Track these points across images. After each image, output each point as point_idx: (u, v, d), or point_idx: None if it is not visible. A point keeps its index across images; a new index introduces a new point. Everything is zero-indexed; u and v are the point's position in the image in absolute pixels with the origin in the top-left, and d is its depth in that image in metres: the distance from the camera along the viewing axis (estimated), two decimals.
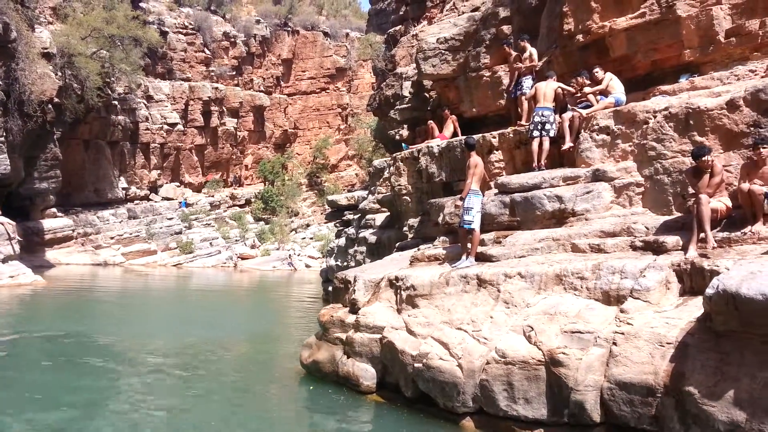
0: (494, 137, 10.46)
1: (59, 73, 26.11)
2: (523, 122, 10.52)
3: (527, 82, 11.10)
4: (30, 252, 24.28)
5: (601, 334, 6.21)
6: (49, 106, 24.89)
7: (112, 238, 31.80)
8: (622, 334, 6.08)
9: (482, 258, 8.37)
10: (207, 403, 7.91)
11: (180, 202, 38.74)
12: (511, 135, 10.29)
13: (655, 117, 8.12)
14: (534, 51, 11.22)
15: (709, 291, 5.35)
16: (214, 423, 7.03)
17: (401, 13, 23.54)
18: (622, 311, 6.34)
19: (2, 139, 20.12)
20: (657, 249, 7.02)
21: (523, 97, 10.92)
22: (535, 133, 9.50)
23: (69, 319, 13.94)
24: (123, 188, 35.62)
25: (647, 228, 7.48)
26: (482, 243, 8.63)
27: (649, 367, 5.77)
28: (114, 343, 11.49)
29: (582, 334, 6.29)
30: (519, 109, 11.06)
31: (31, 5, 26.34)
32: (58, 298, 18.16)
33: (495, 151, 10.44)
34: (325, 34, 50.20)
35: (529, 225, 8.48)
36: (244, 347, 11.88)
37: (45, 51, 25.21)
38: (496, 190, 9.30)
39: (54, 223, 28.10)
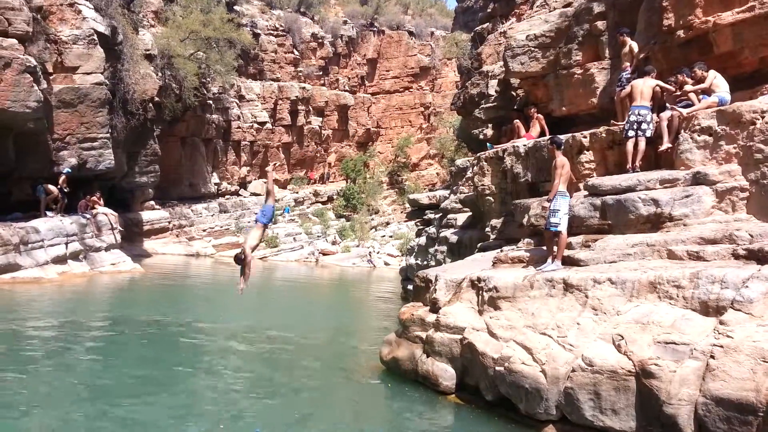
0: (585, 137, 10.10)
1: (159, 74, 27.64)
2: (617, 121, 10.11)
3: (625, 77, 10.64)
4: (130, 241, 25.86)
5: (697, 346, 5.87)
6: (150, 104, 26.39)
7: (204, 230, 33.36)
8: (721, 347, 5.72)
9: (569, 262, 8.11)
10: (287, 394, 8.14)
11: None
12: (604, 135, 9.90)
13: (763, 117, 7.58)
14: (635, 45, 10.74)
15: None
16: (297, 414, 7.23)
17: (489, 10, 23.18)
18: (721, 323, 5.97)
19: (108, 135, 21.52)
20: (762, 258, 6.55)
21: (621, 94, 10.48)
22: (631, 133, 9.08)
23: (164, 306, 14.78)
24: (215, 183, 37.27)
25: (752, 236, 6.99)
26: (569, 246, 8.37)
27: (750, 384, 5.40)
28: (203, 330, 12.04)
29: (677, 346, 5.97)
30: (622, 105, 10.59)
31: (136, 9, 28.04)
32: (155, 285, 19.29)
33: (585, 152, 10.07)
34: (410, 33, 50.36)
35: (621, 229, 8.12)
36: (324, 341, 12.13)
37: (147, 53, 26.77)
38: (586, 192, 8.99)
39: (152, 215, 29.82)
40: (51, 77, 19.81)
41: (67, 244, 18.79)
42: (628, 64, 10.79)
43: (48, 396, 7.32)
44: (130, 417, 6.80)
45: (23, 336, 10.27)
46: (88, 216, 20.84)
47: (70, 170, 20.08)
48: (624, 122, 9.41)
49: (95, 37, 20.68)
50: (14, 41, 17.48)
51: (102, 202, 22.19)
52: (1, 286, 15.22)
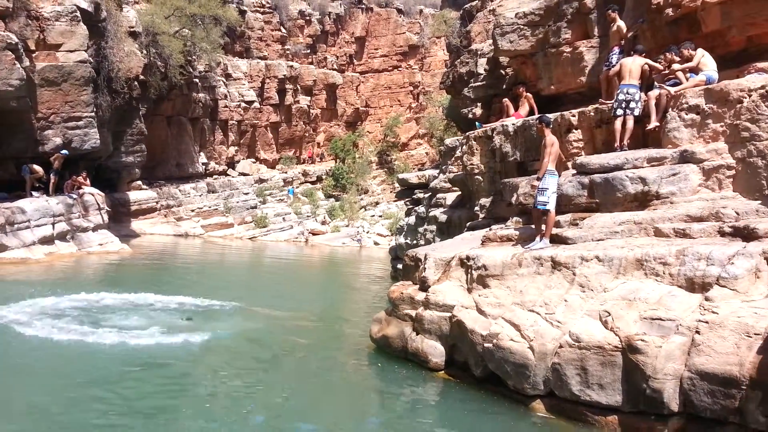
0: (573, 115, 10.12)
1: (144, 52, 27.21)
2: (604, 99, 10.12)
3: (614, 57, 10.64)
4: (117, 222, 25.66)
5: (683, 322, 5.97)
6: (135, 83, 26.04)
7: (192, 210, 33.16)
8: (706, 322, 5.83)
9: (557, 240, 8.18)
10: (277, 374, 8.17)
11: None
12: (592, 113, 9.92)
13: (750, 96, 7.63)
14: (622, 24, 10.72)
15: None
16: (285, 394, 7.26)
17: None
18: (707, 299, 6.07)
19: (93, 114, 21.22)
20: (747, 235, 6.65)
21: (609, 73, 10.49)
22: (619, 112, 9.10)
23: (152, 285, 14.71)
24: (203, 163, 36.95)
25: (737, 213, 7.10)
26: (557, 225, 8.43)
27: (734, 358, 5.52)
28: (191, 311, 12.01)
29: (663, 322, 6.07)
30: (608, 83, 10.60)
31: None
32: (143, 265, 19.20)
33: (574, 130, 10.10)
34: (399, 11, 49.83)
35: (609, 207, 8.19)
36: (314, 319, 12.17)
37: (131, 30, 26.30)
38: (574, 171, 9.02)
39: (139, 195, 29.58)
40: (33, 55, 19.48)
41: (53, 224, 18.62)
42: (615, 44, 10.77)
43: None
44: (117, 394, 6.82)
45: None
46: (74, 196, 20.64)
47: (67, 151, 19.86)
48: (612, 101, 9.43)
49: (78, 13, 20.29)
50: None
51: (88, 182, 21.96)
52: None
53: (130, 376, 7.53)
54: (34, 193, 19.08)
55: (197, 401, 6.91)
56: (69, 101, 20.39)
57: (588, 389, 6.32)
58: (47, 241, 18.08)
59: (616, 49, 10.67)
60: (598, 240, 7.73)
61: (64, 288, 12.42)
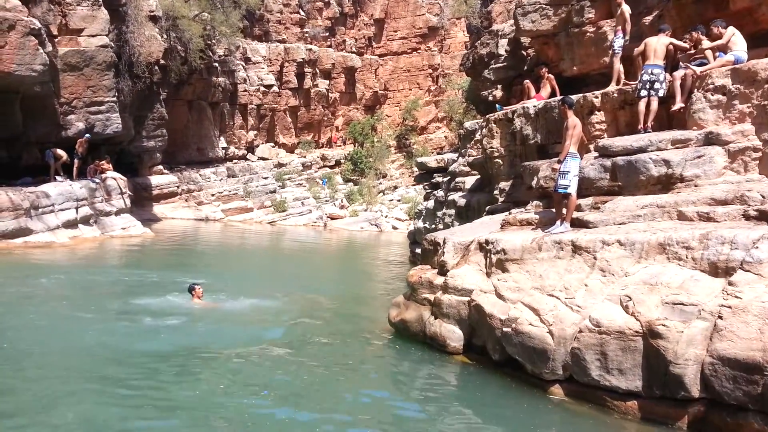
0: (596, 97, 9.94)
1: (164, 36, 27.32)
2: (614, 84, 10.02)
3: (618, 41, 10.49)
4: (139, 206, 25.99)
5: (705, 307, 5.87)
6: (156, 67, 26.17)
7: (213, 195, 33.46)
8: (729, 307, 5.73)
9: (578, 224, 8.08)
10: (295, 355, 8.19)
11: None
12: (615, 95, 9.75)
13: None
14: (627, 9, 10.55)
15: None
16: (305, 376, 7.30)
17: None
18: (730, 284, 5.95)
19: (115, 99, 21.43)
20: None
21: (614, 59, 10.41)
22: (643, 93, 8.93)
23: (176, 269, 14.91)
24: (223, 148, 37.20)
25: (763, 196, 6.94)
26: (578, 208, 8.32)
27: (758, 344, 5.42)
28: (216, 294, 12.15)
29: (685, 306, 5.97)
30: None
31: None
32: (166, 249, 19.47)
33: (597, 112, 9.92)
34: None
35: (632, 190, 8.06)
36: (333, 303, 12.24)
37: (152, 14, 26.39)
38: (597, 153, 8.89)
39: (161, 179, 29.89)
40: (56, 40, 19.66)
41: (77, 208, 18.90)
42: (620, 28, 10.60)
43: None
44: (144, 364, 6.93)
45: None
46: (97, 180, 20.93)
47: (90, 135, 20.10)
48: (637, 81, 9.25)
49: None
50: (17, 3, 17.28)
51: (111, 166, 22.24)
52: (14, 249, 15.39)
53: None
54: (57, 177, 19.37)
55: (211, 382, 6.95)
56: (91, 86, 20.59)
57: (608, 374, 6.27)
58: (71, 225, 18.37)
59: (620, 33, 10.53)
60: (620, 224, 7.62)
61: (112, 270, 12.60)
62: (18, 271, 12.86)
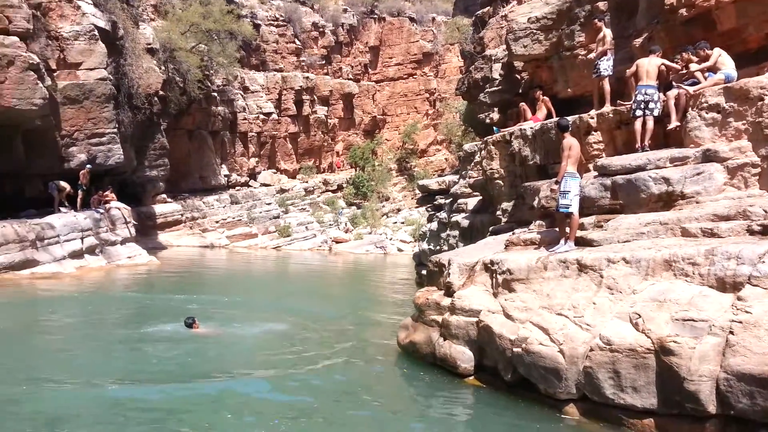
0: (592, 118, 10.09)
1: (162, 67, 27.66)
2: (606, 105, 10.26)
3: (603, 63, 10.71)
4: (144, 235, 26.05)
5: (716, 322, 5.91)
6: (155, 98, 26.47)
7: (217, 222, 33.56)
8: (740, 322, 5.77)
9: (582, 242, 8.16)
10: (303, 380, 8.17)
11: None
12: (611, 115, 9.89)
13: None
14: (609, 32, 10.78)
15: None
16: (312, 400, 7.28)
17: None
18: (739, 299, 6.00)
19: (115, 130, 21.63)
20: None
21: (602, 81, 10.63)
22: (638, 113, 9.07)
23: (185, 293, 14.94)
24: (225, 175, 37.38)
25: (766, 211, 7.02)
26: (581, 227, 8.41)
27: None
28: (221, 315, 12.15)
29: (695, 322, 6.01)
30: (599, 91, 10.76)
31: (135, 3, 27.90)
32: (173, 277, 19.49)
33: (593, 132, 10.05)
34: (411, 19, 49.96)
35: (633, 208, 8.14)
36: (340, 326, 12.25)
37: (149, 47, 26.77)
38: (596, 173, 9.00)
39: (164, 208, 29.99)
40: (55, 74, 19.91)
41: (82, 239, 18.99)
42: (601, 50, 10.81)
43: None
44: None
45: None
46: (101, 210, 21.04)
47: (90, 165, 20.26)
48: (631, 102, 9.40)
49: (96, 32, 20.73)
50: (15, 39, 17.52)
51: (114, 196, 22.37)
52: (21, 281, 15.42)
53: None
54: (62, 208, 19.48)
55: (221, 411, 6.94)
56: (91, 118, 20.81)
57: (622, 392, 6.28)
58: (77, 255, 18.43)
59: (604, 57, 10.74)
60: (624, 241, 7.69)
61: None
62: (26, 302, 12.92)
